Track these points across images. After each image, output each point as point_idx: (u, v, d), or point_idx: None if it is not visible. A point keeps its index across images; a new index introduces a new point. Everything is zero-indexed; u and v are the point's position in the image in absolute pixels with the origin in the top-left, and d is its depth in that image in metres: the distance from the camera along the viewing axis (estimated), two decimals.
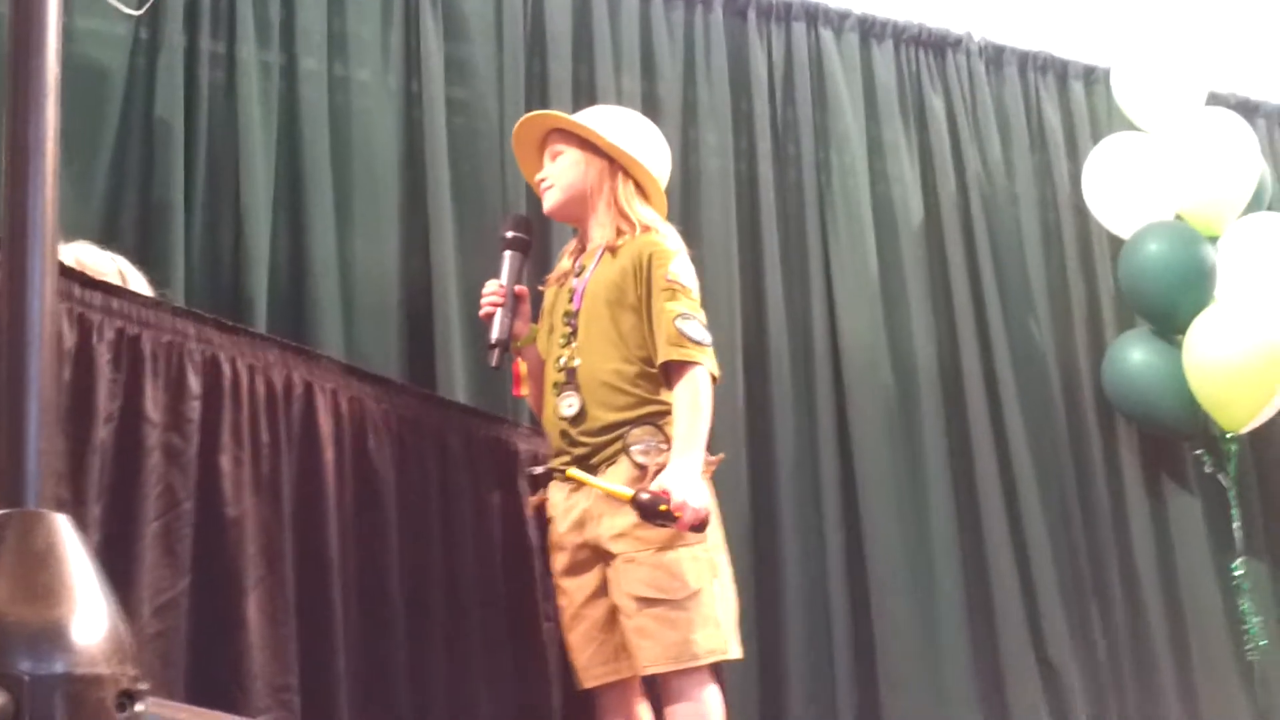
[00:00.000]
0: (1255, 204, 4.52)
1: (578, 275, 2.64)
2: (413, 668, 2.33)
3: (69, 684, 0.75)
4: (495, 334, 2.63)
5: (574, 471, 2.43)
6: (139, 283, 2.52)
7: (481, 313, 2.68)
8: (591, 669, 2.49)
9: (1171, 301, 4.32)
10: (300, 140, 3.43)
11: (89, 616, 0.78)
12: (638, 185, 2.64)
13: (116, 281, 2.35)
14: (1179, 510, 4.52)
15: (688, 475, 2.35)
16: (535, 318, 2.74)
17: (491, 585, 2.54)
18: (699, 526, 2.33)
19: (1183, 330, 4.32)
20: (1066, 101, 4.79)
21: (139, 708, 0.79)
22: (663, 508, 2.29)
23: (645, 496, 2.30)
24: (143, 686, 0.80)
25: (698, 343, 2.47)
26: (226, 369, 2.11)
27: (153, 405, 1.97)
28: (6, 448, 0.77)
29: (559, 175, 2.67)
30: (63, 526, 0.78)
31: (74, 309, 1.87)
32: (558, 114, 2.81)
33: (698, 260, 2.66)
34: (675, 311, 2.47)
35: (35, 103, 0.76)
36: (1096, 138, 4.67)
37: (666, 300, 2.49)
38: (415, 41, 3.65)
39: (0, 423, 0.77)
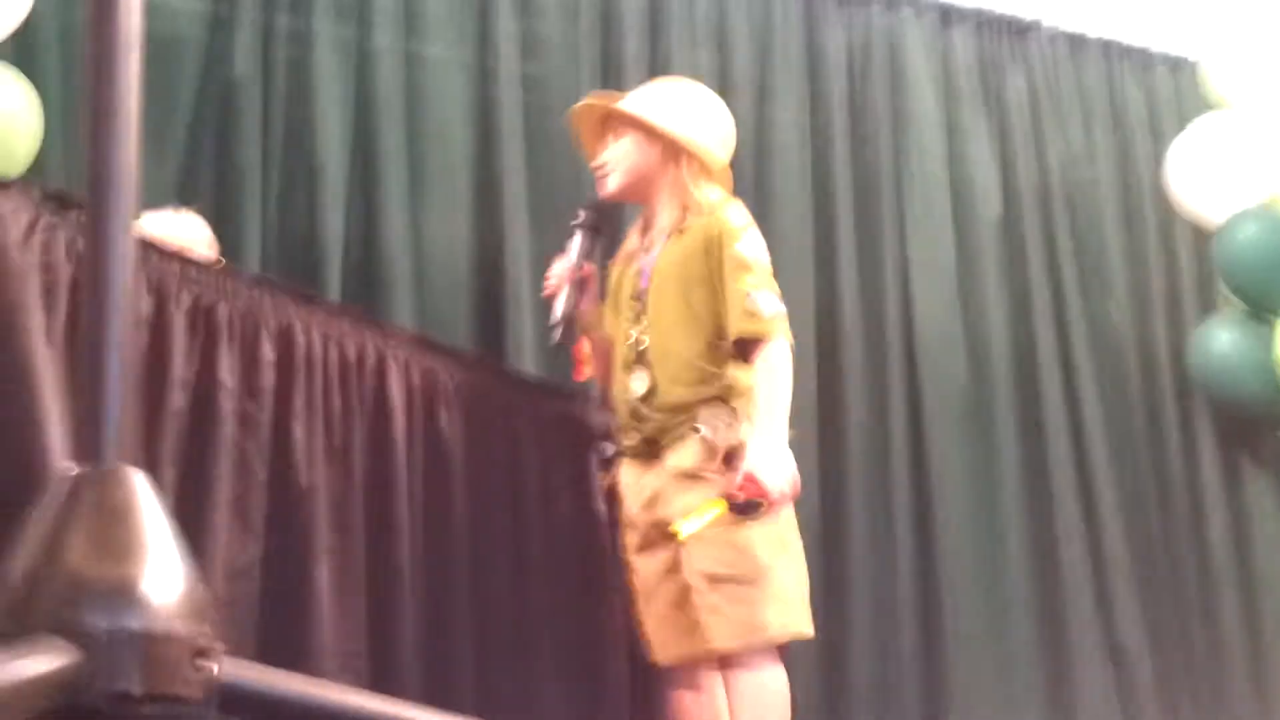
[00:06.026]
0: None
1: (645, 254, 2.63)
2: (478, 638, 2.34)
3: (144, 641, 0.75)
4: (560, 311, 2.62)
5: (680, 529, 2.38)
6: None
7: (545, 291, 2.67)
8: (665, 646, 2.49)
9: (1268, 284, 4.22)
10: (374, 116, 3.44)
11: (165, 574, 0.77)
12: (700, 164, 2.62)
13: None
14: (1257, 495, 4.43)
15: (770, 451, 2.36)
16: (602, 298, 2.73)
17: (559, 558, 2.54)
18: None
19: (1276, 313, 4.23)
20: (1150, 83, 4.69)
21: (214, 667, 0.79)
22: (762, 507, 2.33)
23: (739, 500, 2.33)
24: (217, 646, 0.80)
25: (770, 315, 2.46)
26: (300, 338, 2.12)
27: (228, 373, 1.99)
28: (87, 403, 0.77)
29: (619, 160, 2.64)
30: (140, 483, 0.78)
31: (151, 276, 1.89)
32: (612, 103, 2.73)
33: (770, 239, 2.63)
34: (747, 286, 2.47)
35: (115, 60, 0.76)
36: (1180, 120, 4.56)
37: (738, 276, 2.48)
38: (489, 17, 3.64)
39: (82, 378, 0.77)
